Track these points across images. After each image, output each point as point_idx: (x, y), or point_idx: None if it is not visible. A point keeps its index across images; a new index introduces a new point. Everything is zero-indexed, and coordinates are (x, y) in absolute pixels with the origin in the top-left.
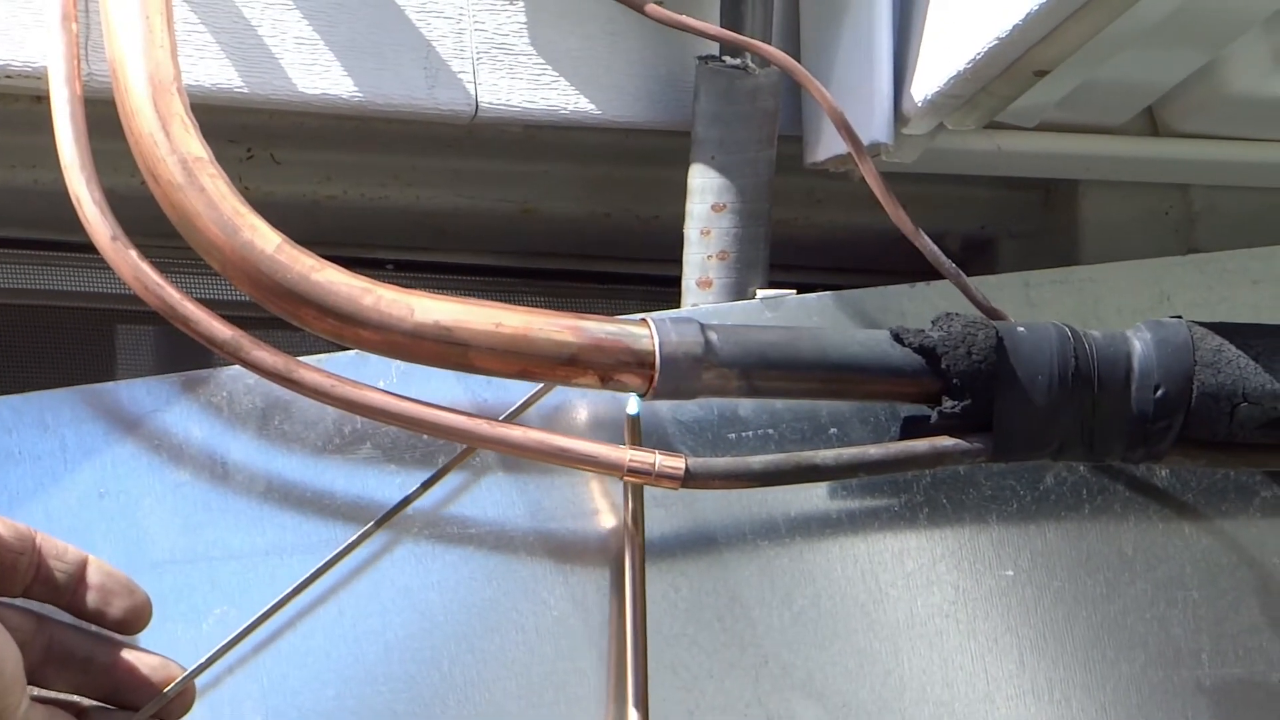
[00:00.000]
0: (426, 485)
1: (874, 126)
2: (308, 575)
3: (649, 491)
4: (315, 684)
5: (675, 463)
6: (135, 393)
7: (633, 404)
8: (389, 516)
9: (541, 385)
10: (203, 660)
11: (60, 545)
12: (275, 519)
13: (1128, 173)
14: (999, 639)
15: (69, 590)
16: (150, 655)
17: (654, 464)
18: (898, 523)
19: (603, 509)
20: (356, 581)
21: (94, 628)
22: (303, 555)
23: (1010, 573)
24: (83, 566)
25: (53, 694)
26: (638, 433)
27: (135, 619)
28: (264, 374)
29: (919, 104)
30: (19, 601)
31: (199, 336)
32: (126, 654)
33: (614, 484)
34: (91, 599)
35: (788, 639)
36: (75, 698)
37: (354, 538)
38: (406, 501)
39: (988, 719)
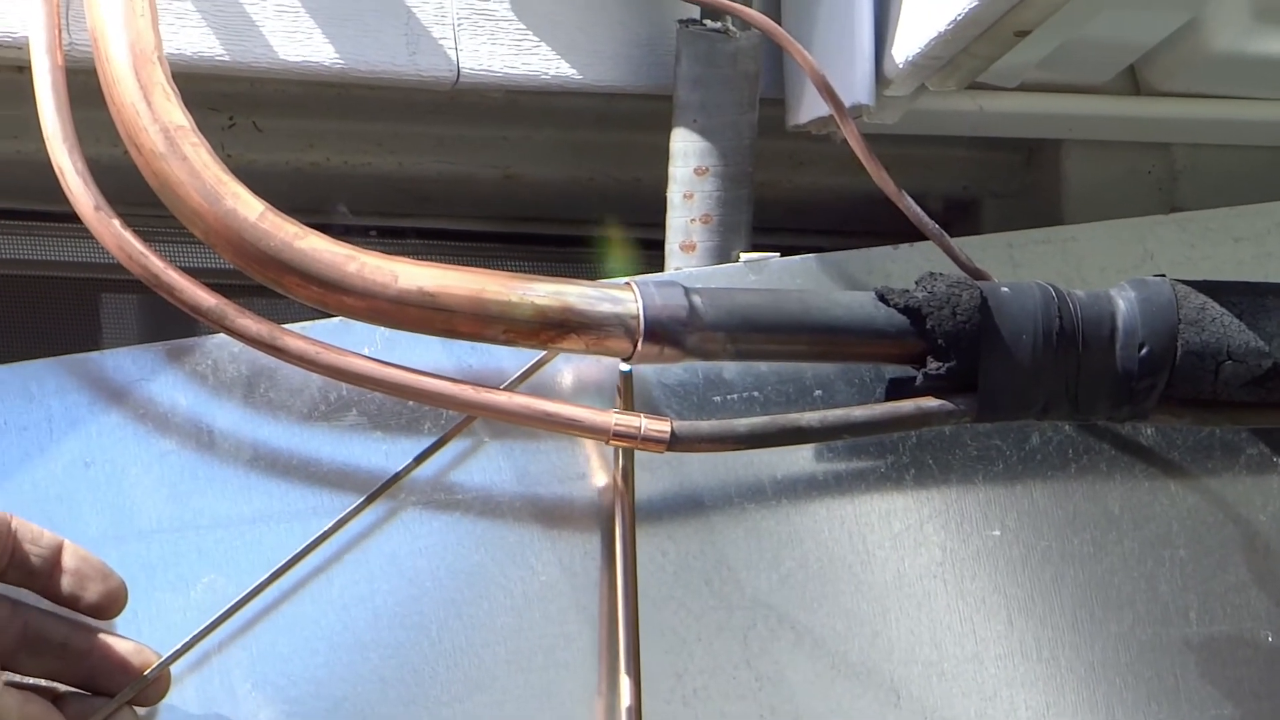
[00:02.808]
0: (427, 453)
1: (856, 88)
2: (298, 550)
3: (612, 453)
4: (304, 651)
5: (661, 426)
6: (120, 362)
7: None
8: (389, 485)
9: (543, 354)
10: (179, 645)
11: (35, 529)
12: (261, 487)
13: (1110, 132)
14: (986, 599)
15: (44, 575)
16: (126, 641)
17: (639, 428)
18: (884, 484)
19: (589, 473)
20: (344, 549)
21: (69, 613)
22: (289, 523)
23: (997, 533)
24: (58, 551)
25: (28, 679)
26: (630, 390)
27: (110, 604)
28: (248, 341)
29: (900, 65)
30: None
31: (183, 305)
32: (102, 639)
33: (601, 448)
34: (67, 584)
35: (775, 601)
36: (51, 683)
37: (350, 509)
38: (407, 470)
39: (976, 679)
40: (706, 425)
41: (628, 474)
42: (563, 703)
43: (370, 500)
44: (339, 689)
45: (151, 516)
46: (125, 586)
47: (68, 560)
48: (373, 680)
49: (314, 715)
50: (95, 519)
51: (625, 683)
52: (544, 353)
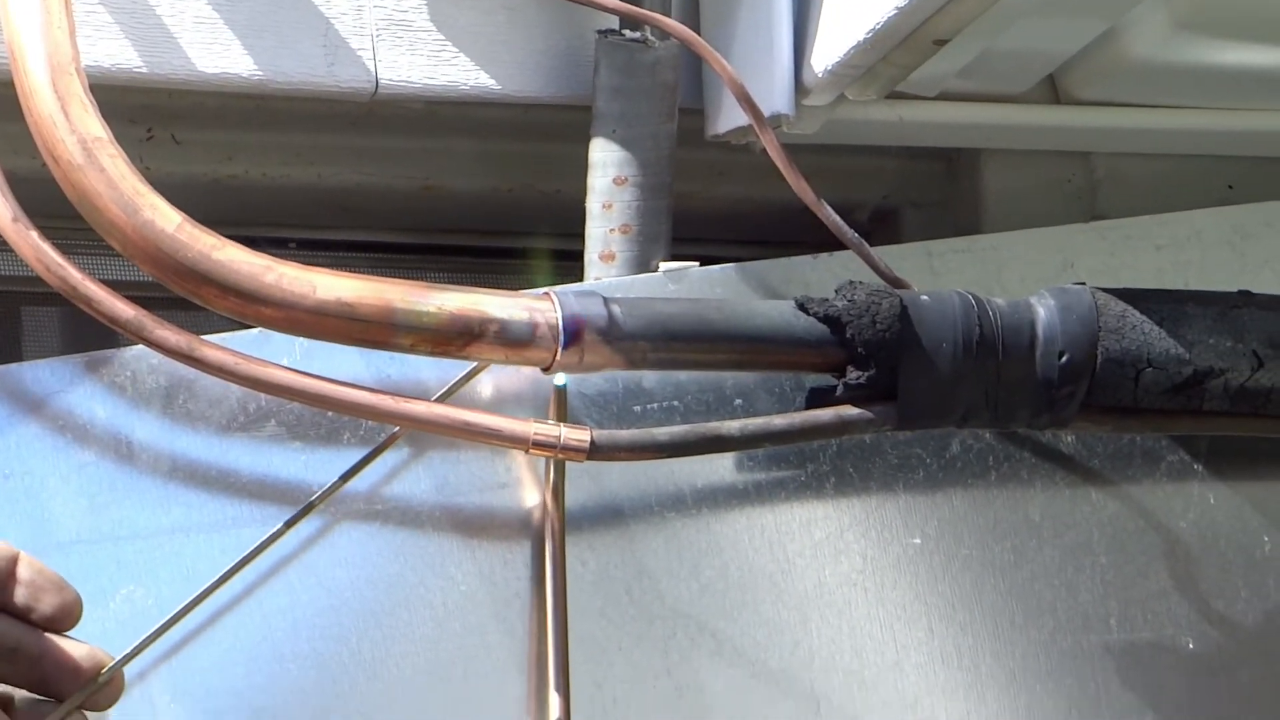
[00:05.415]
0: (357, 468)
1: (775, 98)
2: (240, 559)
3: (543, 465)
4: (223, 662)
5: (580, 435)
6: (39, 374)
7: (560, 375)
8: (323, 498)
9: (473, 366)
10: (131, 649)
11: None
12: (181, 498)
13: (1030, 141)
14: (907, 607)
15: None
16: (79, 645)
17: (559, 437)
18: (804, 492)
19: (509, 483)
20: (263, 559)
21: None
22: (209, 534)
23: (918, 541)
24: (13, 562)
25: None
26: (564, 404)
27: (65, 616)
28: (167, 353)
29: (819, 75)
30: None
31: (101, 316)
32: (55, 643)
33: (524, 459)
34: (20, 595)
35: (696, 610)
36: (2, 688)
37: (280, 525)
38: (336, 485)
39: (897, 687)
40: (626, 434)
41: (558, 490)
42: (483, 713)
43: (301, 515)
44: (258, 700)
45: (70, 528)
46: (80, 599)
47: (22, 571)
48: (292, 691)
49: None
50: (13, 531)
51: (555, 699)
52: (472, 365)
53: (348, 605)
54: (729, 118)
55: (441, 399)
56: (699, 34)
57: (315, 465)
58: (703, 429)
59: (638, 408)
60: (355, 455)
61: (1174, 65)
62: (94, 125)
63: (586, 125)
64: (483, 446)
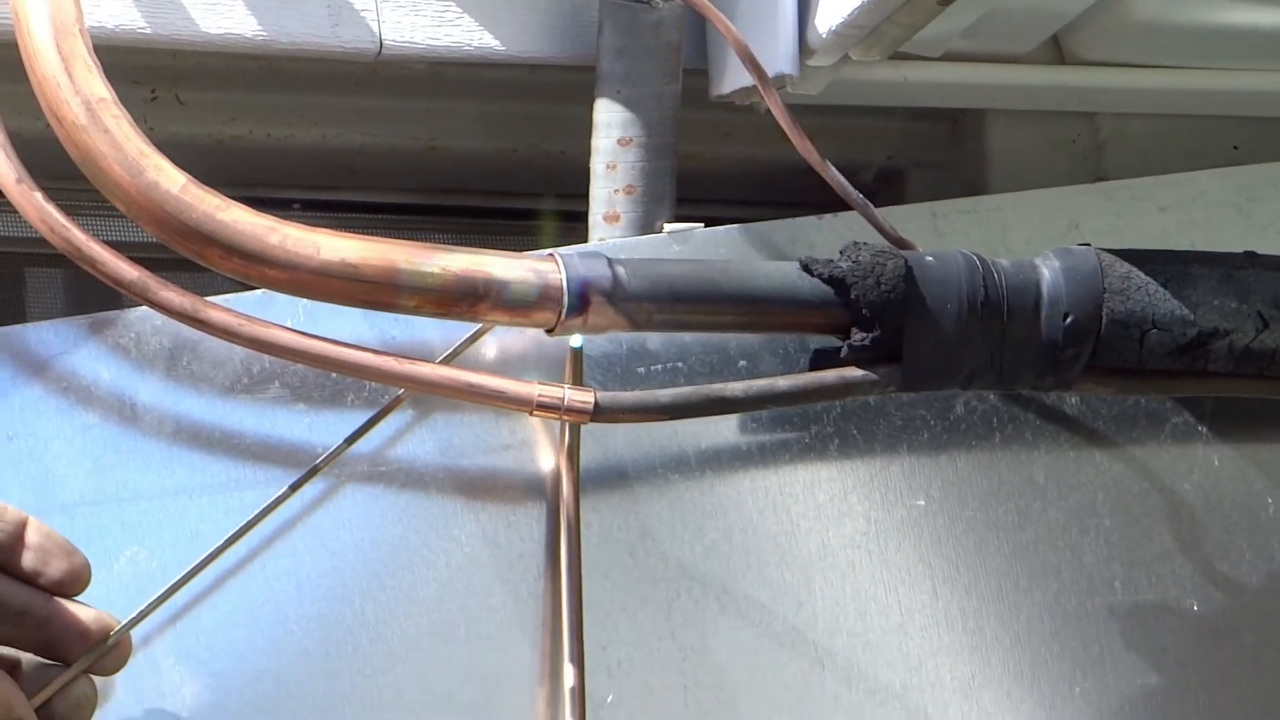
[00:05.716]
0: (362, 430)
1: (779, 58)
2: (245, 521)
3: (559, 428)
4: (227, 624)
5: (584, 397)
6: (42, 335)
7: (576, 337)
8: (329, 460)
9: (478, 327)
10: (138, 612)
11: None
12: (185, 460)
13: (1034, 101)
14: (911, 569)
15: (6, 550)
16: (87, 609)
17: (563, 398)
18: (808, 454)
19: (512, 445)
20: (267, 522)
21: None
22: (213, 495)
23: (922, 502)
24: (21, 526)
25: None
26: (580, 366)
27: (73, 581)
28: (171, 314)
29: (824, 35)
30: None
31: (105, 278)
32: (62, 607)
33: (526, 421)
34: (29, 560)
35: (700, 572)
36: (9, 651)
37: (287, 488)
38: (342, 448)
39: (901, 649)
40: (630, 396)
41: (573, 452)
42: (487, 675)
43: (306, 478)
44: (262, 661)
45: (74, 490)
46: (88, 564)
47: (31, 536)
48: (296, 652)
49: (238, 687)
50: (17, 492)
51: (569, 670)
52: (477, 326)
53: (351, 567)
54: (733, 78)
55: (446, 361)
56: None
57: (319, 427)
58: (707, 390)
59: (642, 369)
60: (360, 417)
61: (1180, 25)
62: (98, 86)
63: (591, 86)
64: (487, 408)
